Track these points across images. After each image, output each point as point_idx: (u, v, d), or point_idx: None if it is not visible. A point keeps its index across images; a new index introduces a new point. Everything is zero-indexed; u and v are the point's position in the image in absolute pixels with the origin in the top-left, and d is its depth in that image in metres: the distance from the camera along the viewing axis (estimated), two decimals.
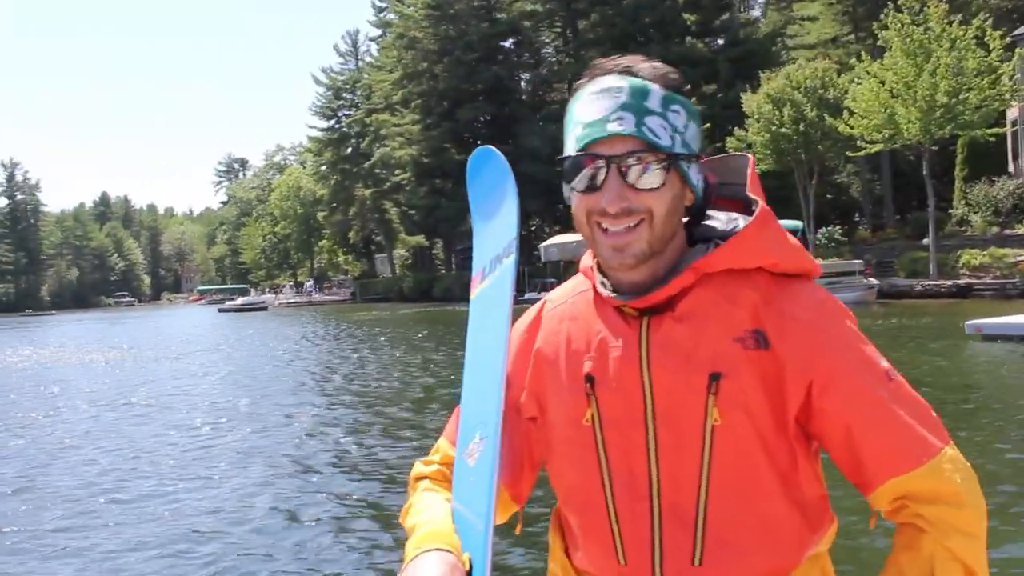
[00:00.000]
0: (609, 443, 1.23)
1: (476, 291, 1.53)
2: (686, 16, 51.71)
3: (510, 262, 1.42)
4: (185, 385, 15.91)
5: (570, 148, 1.20)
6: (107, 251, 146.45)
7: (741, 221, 1.25)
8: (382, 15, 71.84)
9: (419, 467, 1.43)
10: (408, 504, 1.34)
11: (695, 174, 1.22)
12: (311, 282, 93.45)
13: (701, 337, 1.18)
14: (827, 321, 1.20)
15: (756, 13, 63.47)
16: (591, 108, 1.18)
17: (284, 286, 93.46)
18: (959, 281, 29.06)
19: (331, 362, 19.21)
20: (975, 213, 34.17)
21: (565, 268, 36.37)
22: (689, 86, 1.25)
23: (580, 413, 1.25)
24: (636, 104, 1.16)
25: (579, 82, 1.24)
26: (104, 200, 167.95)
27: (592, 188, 1.17)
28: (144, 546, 5.87)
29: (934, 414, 1.21)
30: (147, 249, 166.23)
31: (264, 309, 68.42)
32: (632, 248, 1.17)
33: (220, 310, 69.57)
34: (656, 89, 1.17)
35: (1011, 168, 37.50)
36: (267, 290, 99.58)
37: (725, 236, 1.24)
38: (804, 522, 1.21)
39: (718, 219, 1.28)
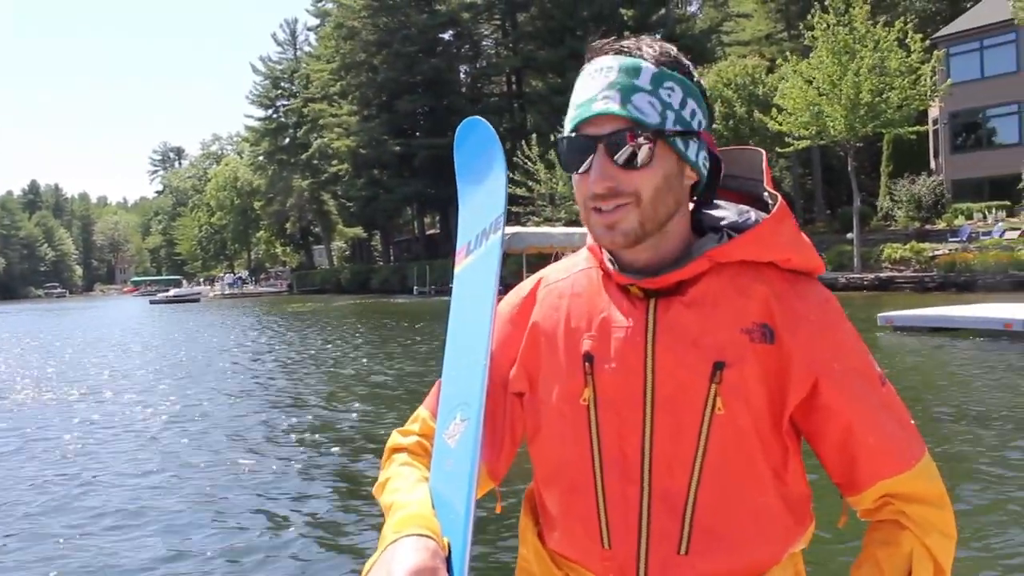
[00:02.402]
0: (603, 424, 1.21)
1: (460, 266, 1.49)
2: (623, 11, 52.18)
3: (496, 238, 1.40)
4: (107, 380, 15.54)
5: (565, 131, 1.19)
6: (37, 241, 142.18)
7: (753, 214, 1.25)
8: (320, 4, 71.02)
9: (396, 438, 1.38)
10: (384, 478, 1.30)
11: (695, 151, 1.19)
12: (244, 274, 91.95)
13: (709, 324, 1.18)
14: (834, 321, 1.22)
15: (693, 9, 64.31)
16: (583, 90, 1.17)
17: (219, 277, 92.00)
18: (881, 274, 29.89)
19: (252, 353, 18.98)
20: (899, 208, 35.23)
21: (504, 260, 36.38)
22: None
23: (577, 391, 1.23)
24: (624, 82, 1.14)
25: (584, 65, 1.23)
26: (33, 188, 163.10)
27: (581, 171, 1.17)
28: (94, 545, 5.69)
29: (912, 420, 1.25)
30: (79, 239, 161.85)
31: (196, 301, 67.19)
32: (622, 226, 1.15)
33: (152, 302, 68.05)
34: (647, 66, 1.15)
35: (933, 165, 38.75)
36: (202, 281, 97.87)
37: (738, 228, 1.23)
38: (790, 518, 1.22)
39: (728, 210, 1.27)
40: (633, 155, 1.13)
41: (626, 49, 1.18)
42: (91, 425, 10.49)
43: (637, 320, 1.20)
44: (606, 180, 1.14)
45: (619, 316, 1.22)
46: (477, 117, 1.54)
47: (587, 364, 1.22)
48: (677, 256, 1.21)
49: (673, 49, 1.20)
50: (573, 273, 1.32)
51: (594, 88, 1.15)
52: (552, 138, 32.95)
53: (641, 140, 1.13)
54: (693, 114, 1.18)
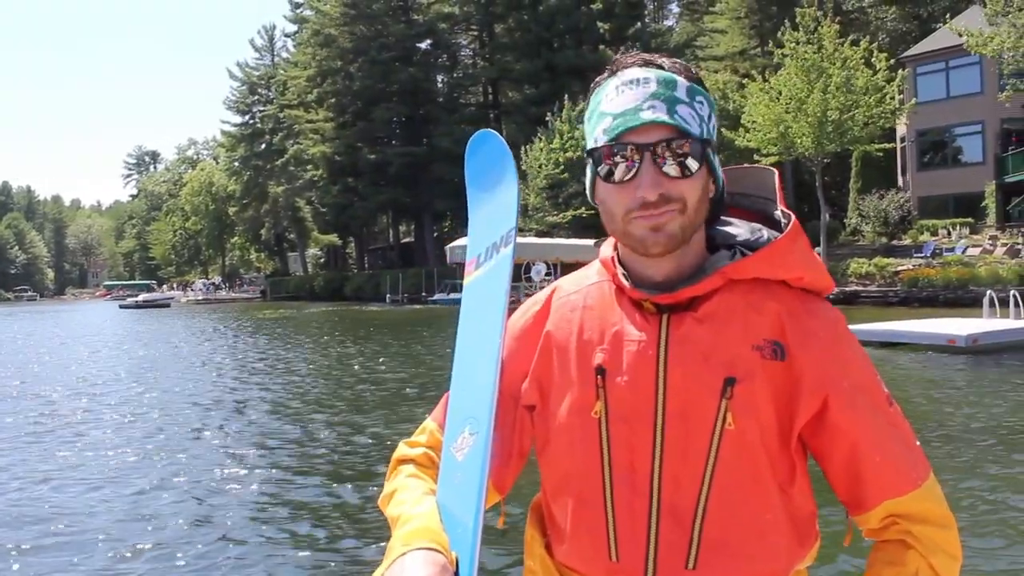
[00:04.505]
0: (614, 437, 1.21)
1: (470, 278, 1.49)
2: (600, 24, 52.58)
3: (508, 252, 1.41)
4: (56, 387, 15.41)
5: (599, 141, 1.18)
6: (7, 243, 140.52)
7: (766, 232, 1.26)
8: (298, 11, 70.94)
9: (403, 449, 1.38)
10: (391, 490, 1.30)
11: (718, 164, 1.22)
12: (217, 279, 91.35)
13: (720, 340, 1.18)
14: (844, 340, 1.23)
15: (670, 23, 64.97)
16: (620, 99, 1.17)
17: (193, 283, 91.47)
18: (846, 288, 30.27)
19: (209, 359, 18.90)
20: (866, 224, 35.73)
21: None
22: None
23: (588, 404, 1.23)
24: (666, 93, 1.16)
25: (599, 78, 1.24)
26: (5, 190, 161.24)
27: (625, 179, 1.16)
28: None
29: (917, 441, 1.26)
30: (51, 242, 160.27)
31: (167, 306, 66.72)
32: (667, 228, 1.15)
33: (121, 306, 67.55)
34: (681, 80, 1.18)
35: (900, 182, 39.34)
36: (176, 286, 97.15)
37: (750, 245, 1.24)
38: (796, 535, 1.22)
39: (740, 227, 1.28)
40: (683, 164, 1.15)
41: (655, 63, 1.20)
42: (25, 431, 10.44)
43: (649, 334, 1.21)
44: (657, 187, 1.14)
45: (632, 330, 1.22)
46: (489, 130, 1.55)
47: (599, 377, 1.22)
48: (692, 272, 1.22)
49: (692, 67, 1.23)
50: (586, 286, 1.33)
51: (635, 98, 1.16)
52: (525, 150, 33.25)
53: (689, 149, 1.15)
54: (713, 129, 1.22)
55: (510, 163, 1.49)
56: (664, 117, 1.14)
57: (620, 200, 1.17)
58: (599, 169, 1.18)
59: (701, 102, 1.19)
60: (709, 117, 1.20)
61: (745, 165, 1.36)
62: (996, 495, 6.08)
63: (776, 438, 1.19)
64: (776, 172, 1.33)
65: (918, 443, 1.25)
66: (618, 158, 1.15)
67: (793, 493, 1.21)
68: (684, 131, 1.14)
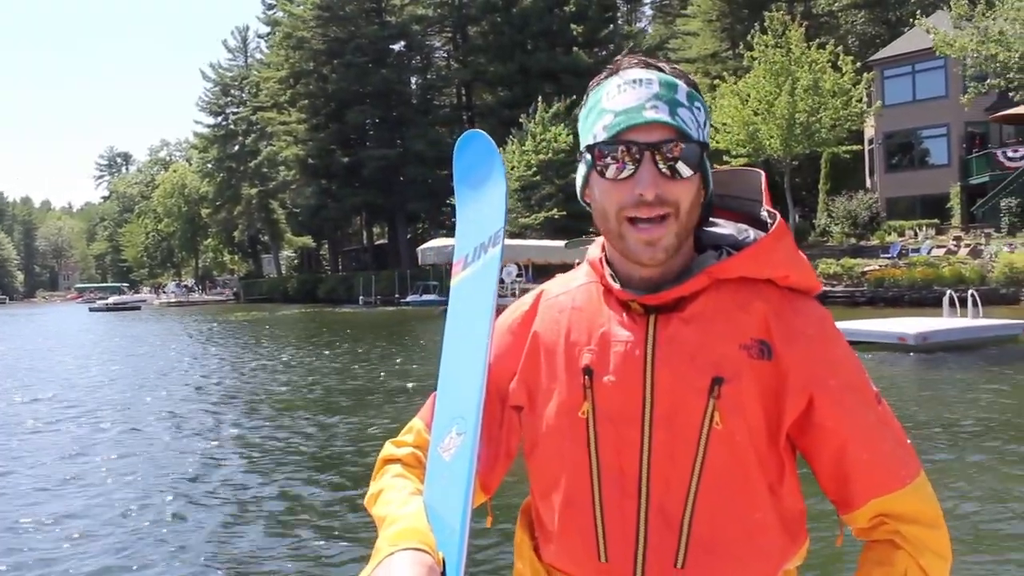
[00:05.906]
0: (602, 437, 1.21)
1: (457, 279, 1.48)
2: (573, 27, 52.76)
3: (496, 252, 1.40)
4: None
5: (598, 137, 1.17)
6: None
7: (752, 233, 1.26)
8: (271, 13, 70.55)
9: (389, 448, 1.38)
10: (378, 489, 1.30)
11: (710, 170, 1.22)
12: (190, 281, 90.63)
13: (708, 340, 1.18)
14: (830, 339, 1.23)
15: (643, 25, 65.40)
16: (623, 97, 1.16)
17: (166, 285, 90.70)
18: None
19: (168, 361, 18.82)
20: (836, 225, 36.16)
21: (448, 272, 36.43)
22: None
23: (576, 405, 1.23)
24: (668, 95, 1.16)
25: (598, 77, 1.24)
26: None
27: (623, 177, 1.16)
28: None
29: (908, 439, 1.26)
30: (20, 244, 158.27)
31: (138, 309, 66.13)
32: (663, 241, 1.15)
33: (91, 309, 66.88)
34: (682, 84, 1.18)
35: (868, 183, 39.87)
36: (149, 289, 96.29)
37: (737, 245, 1.24)
38: (785, 535, 1.22)
39: (727, 228, 1.29)
40: (682, 166, 1.15)
41: (655, 66, 1.21)
42: None
43: (637, 335, 1.21)
44: (656, 187, 1.13)
45: (619, 330, 1.22)
46: (477, 130, 1.55)
47: (586, 377, 1.22)
48: (679, 272, 1.22)
49: (689, 74, 1.23)
50: (573, 288, 1.32)
51: (637, 97, 1.16)
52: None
53: (688, 152, 1.15)
54: (707, 135, 1.22)
55: (498, 163, 1.49)
56: (666, 118, 1.14)
57: (615, 197, 1.17)
58: (597, 165, 1.17)
59: (699, 108, 1.20)
60: (704, 124, 1.21)
61: (732, 167, 1.37)
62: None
63: (764, 437, 1.19)
64: (763, 174, 1.34)
65: (909, 442, 1.25)
66: (618, 155, 1.15)
67: (782, 493, 1.21)
68: (685, 133, 1.15)
